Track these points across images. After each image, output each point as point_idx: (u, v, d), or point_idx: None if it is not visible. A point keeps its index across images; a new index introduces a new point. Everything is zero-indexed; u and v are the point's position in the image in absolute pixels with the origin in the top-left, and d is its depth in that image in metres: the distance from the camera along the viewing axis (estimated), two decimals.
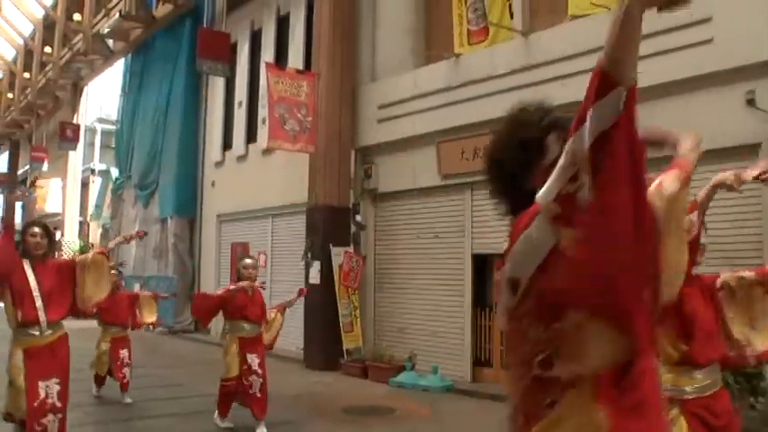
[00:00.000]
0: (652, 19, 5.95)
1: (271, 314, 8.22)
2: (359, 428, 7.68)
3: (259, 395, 7.41)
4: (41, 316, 5.36)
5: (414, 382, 10.54)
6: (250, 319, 7.59)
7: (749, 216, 8.02)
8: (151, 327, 13.04)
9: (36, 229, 5.67)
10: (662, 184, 2.01)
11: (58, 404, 5.40)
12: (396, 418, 8.56)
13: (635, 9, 1.49)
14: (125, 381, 9.13)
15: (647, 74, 8.35)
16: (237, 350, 7.49)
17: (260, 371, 7.46)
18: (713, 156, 8.07)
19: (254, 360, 7.46)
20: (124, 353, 9.27)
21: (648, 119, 6.14)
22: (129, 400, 9.07)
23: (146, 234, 7.81)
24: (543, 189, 1.54)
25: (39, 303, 5.37)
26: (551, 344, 1.60)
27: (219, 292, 7.95)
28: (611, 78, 1.50)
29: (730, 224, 8.03)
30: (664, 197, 1.93)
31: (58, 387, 5.40)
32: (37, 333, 5.39)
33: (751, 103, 7.92)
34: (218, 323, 16.44)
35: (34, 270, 5.48)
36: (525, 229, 1.59)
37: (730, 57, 7.99)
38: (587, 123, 1.51)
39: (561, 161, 1.52)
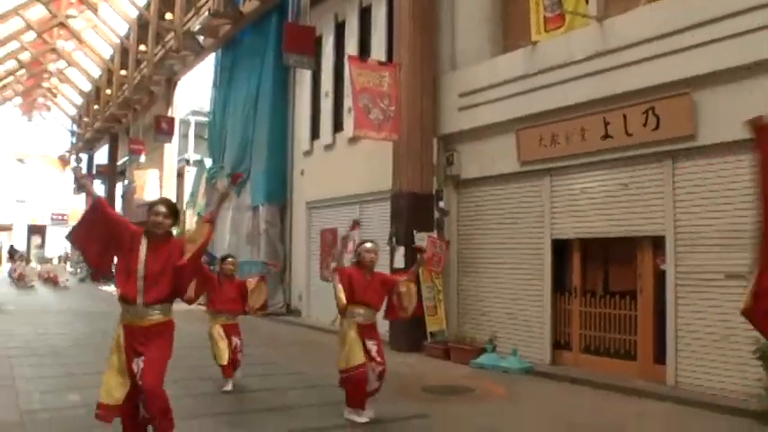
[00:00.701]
0: (720, 3, 6.12)
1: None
2: (439, 406, 8.04)
3: (378, 383, 7.23)
4: (139, 297, 5.22)
5: (494, 364, 10.81)
6: (367, 302, 7.24)
7: None
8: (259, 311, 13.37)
9: (161, 208, 5.45)
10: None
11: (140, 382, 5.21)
12: (475, 397, 8.87)
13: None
14: (239, 365, 9.11)
15: (718, 59, 8.50)
16: (356, 336, 7.12)
17: (379, 358, 7.17)
18: None
19: (372, 347, 7.17)
20: (236, 340, 9.00)
21: (720, 105, 6.36)
22: (229, 388, 8.77)
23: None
24: None
25: (139, 284, 5.23)
26: None
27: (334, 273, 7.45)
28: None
29: None
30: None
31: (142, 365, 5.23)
32: (133, 312, 5.29)
33: None
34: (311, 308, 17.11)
35: (149, 248, 5.29)
36: None
37: None
38: None
39: None
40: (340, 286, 7.19)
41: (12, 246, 50.42)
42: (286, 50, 15.91)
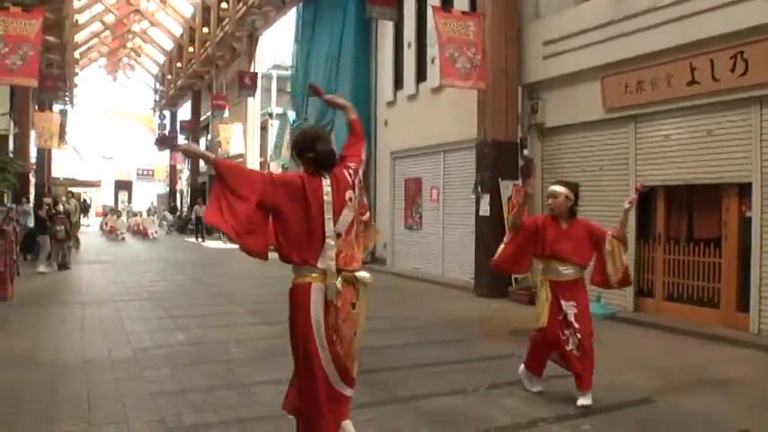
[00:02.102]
0: None
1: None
2: (523, 347, 8.41)
3: (577, 353, 5.97)
4: None
5: None
6: (562, 257, 6.09)
7: None
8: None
9: None
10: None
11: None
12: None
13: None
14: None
15: None
16: (548, 295, 6.11)
17: (577, 325, 5.96)
18: None
19: (570, 309, 6.01)
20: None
21: None
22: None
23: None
24: None
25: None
26: None
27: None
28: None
29: None
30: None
31: None
32: None
33: None
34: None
35: None
36: None
37: None
38: None
39: None
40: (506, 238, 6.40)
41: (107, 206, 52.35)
42: (369, 2, 16.17)
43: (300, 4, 25.35)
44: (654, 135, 10.89)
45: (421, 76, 17.61)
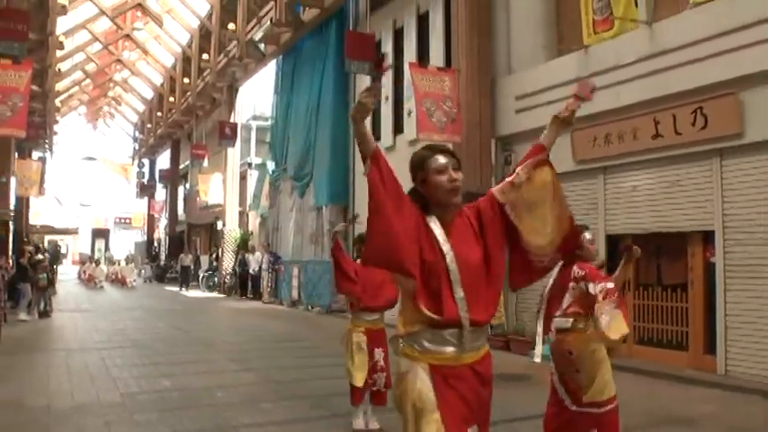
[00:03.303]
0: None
1: None
2: (498, 391, 8.55)
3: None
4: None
5: (550, 354, 11.33)
6: None
7: None
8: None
9: None
10: (515, 174, 3.17)
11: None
12: (533, 383, 9.36)
13: (356, 117, 2.77)
14: (375, 389, 6.40)
15: (766, 59, 8.91)
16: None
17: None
18: None
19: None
20: (379, 353, 6.37)
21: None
22: (360, 425, 6.54)
23: None
24: None
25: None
26: None
27: None
28: (363, 155, 2.89)
29: None
30: (515, 186, 3.15)
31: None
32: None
33: None
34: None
35: None
36: None
37: None
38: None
39: None
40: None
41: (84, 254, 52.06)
42: (348, 57, 16.62)
43: (280, 57, 25.88)
44: (622, 185, 11.33)
45: (398, 128, 18.05)
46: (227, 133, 28.95)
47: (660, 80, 10.36)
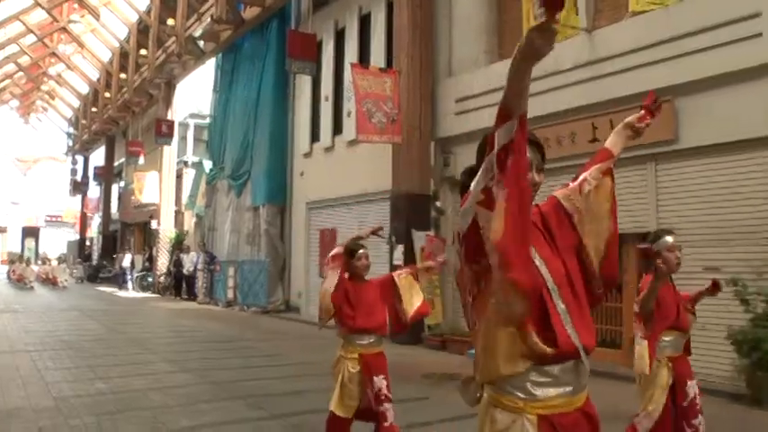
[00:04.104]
0: (701, 16, 7.06)
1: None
2: (437, 391, 8.58)
3: None
4: None
5: None
6: (685, 327, 5.06)
7: None
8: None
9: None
10: (584, 180, 2.61)
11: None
12: None
13: (521, 63, 1.99)
14: (386, 425, 5.14)
15: (699, 68, 9.22)
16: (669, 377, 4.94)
17: (698, 405, 5.02)
18: (760, 144, 8.92)
19: (693, 389, 5.00)
20: (380, 380, 5.20)
21: (699, 111, 7.18)
22: None
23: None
24: (473, 183, 2.18)
25: None
26: (475, 278, 2.21)
27: None
28: (506, 111, 2.01)
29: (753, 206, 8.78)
30: (583, 194, 2.56)
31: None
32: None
33: None
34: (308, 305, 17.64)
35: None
36: (464, 204, 2.22)
37: None
38: (496, 140, 2.04)
39: (484, 165, 2.11)
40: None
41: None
42: (289, 57, 16.56)
43: (220, 54, 25.59)
44: (554, 185, 11.41)
45: (337, 128, 17.99)
46: (163, 131, 28.54)
47: (598, 86, 10.57)
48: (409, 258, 13.13)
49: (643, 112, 2.86)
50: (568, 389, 2.23)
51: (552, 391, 2.19)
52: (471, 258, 2.19)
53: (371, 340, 5.28)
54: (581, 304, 2.31)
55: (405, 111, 13.62)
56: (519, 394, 2.17)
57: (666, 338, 4.80)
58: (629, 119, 2.82)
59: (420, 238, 13.25)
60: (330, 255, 5.39)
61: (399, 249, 13.44)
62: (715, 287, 5.01)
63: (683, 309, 4.88)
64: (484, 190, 2.08)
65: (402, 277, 5.55)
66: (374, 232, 5.81)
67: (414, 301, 5.47)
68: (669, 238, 4.76)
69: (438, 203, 13.73)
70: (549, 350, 2.14)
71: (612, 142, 2.78)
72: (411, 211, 13.46)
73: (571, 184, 2.65)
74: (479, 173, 2.12)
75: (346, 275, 5.30)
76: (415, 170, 13.61)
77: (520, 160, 2.03)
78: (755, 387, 8.08)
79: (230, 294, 22.31)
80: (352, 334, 5.25)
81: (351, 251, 5.39)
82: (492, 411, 2.22)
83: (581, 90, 10.86)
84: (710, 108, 9.29)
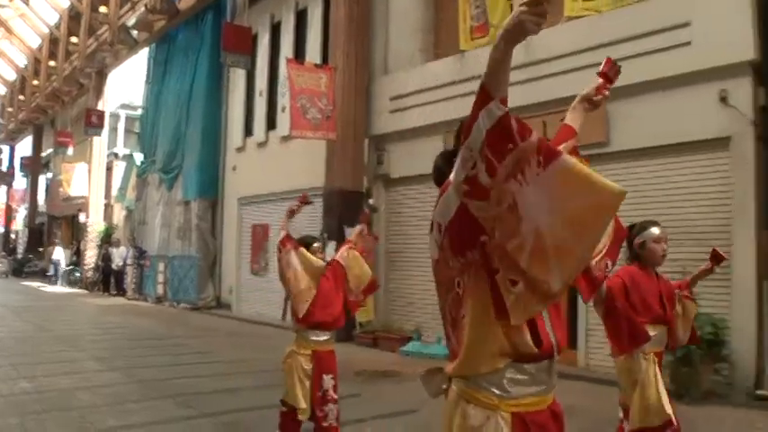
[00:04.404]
0: (633, 23, 7.26)
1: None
2: (369, 387, 8.59)
3: None
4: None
5: (419, 351, 11.49)
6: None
7: (719, 201, 8.96)
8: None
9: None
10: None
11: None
12: (400, 379, 9.53)
13: (507, 45, 1.92)
14: (326, 425, 5.22)
15: (630, 73, 9.36)
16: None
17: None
18: (687, 148, 9.15)
19: None
20: (329, 380, 5.27)
21: (630, 115, 7.36)
22: None
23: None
24: (453, 173, 2.05)
25: None
26: (462, 270, 2.13)
27: None
28: (488, 93, 1.93)
29: (700, 209, 9.03)
30: None
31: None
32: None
33: (724, 100, 8.83)
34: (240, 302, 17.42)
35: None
36: (443, 194, 2.14)
37: (706, 58, 8.90)
38: (480, 122, 1.92)
39: (461, 154, 1.99)
40: None
41: None
42: (224, 50, 16.33)
43: (153, 45, 25.09)
44: None
45: (271, 123, 17.84)
46: (93, 121, 27.84)
47: (533, 88, 10.69)
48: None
49: (601, 81, 2.81)
50: (542, 387, 2.21)
51: (527, 390, 2.17)
52: (458, 251, 2.12)
53: (326, 337, 5.24)
54: (557, 303, 2.26)
55: (339, 107, 13.56)
56: (495, 390, 2.14)
57: (651, 333, 4.49)
58: (585, 91, 2.79)
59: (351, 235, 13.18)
60: (282, 239, 5.31)
61: (331, 246, 13.35)
62: (715, 258, 4.68)
63: (669, 301, 4.67)
64: (467, 180, 1.96)
65: (345, 256, 5.51)
66: (303, 201, 5.63)
67: (363, 278, 5.53)
68: (656, 230, 4.69)
69: (371, 201, 13.71)
70: (535, 349, 2.13)
71: (571, 118, 2.76)
72: (344, 208, 13.40)
73: None
74: (457, 163, 2.02)
75: None
76: (349, 167, 13.57)
77: (508, 135, 1.94)
78: (679, 383, 8.31)
79: (160, 290, 21.90)
80: (308, 329, 5.18)
81: (306, 244, 5.35)
82: (464, 406, 2.19)
83: (516, 91, 10.82)
84: (641, 113, 9.54)
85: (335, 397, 5.21)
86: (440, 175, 2.33)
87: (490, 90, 1.93)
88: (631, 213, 9.49)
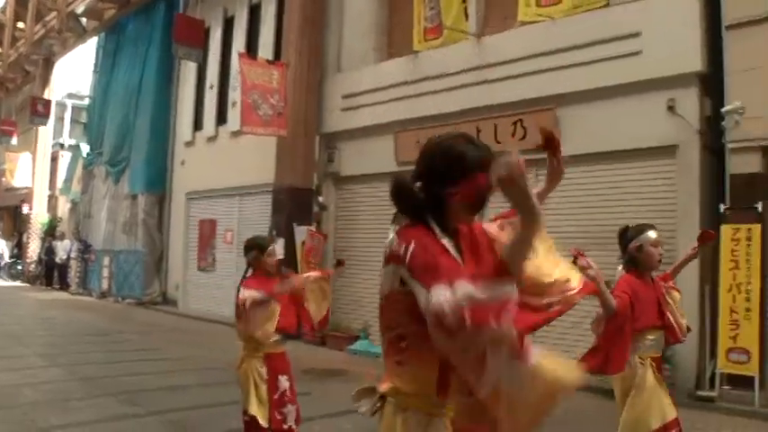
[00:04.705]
0: (586, 31, 7.37)
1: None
2: (318, 386, 8.56)
3: None
4: None
5: (367, 350, 11.49)
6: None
7: (665, 207, 9.14)
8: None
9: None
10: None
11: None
12: (349, 378, 9.52)
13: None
14: (286, 427, 5.11)
15: (581, 80, 9.57)
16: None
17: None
18: (635, 155, 9.33)
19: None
20: (285, 381, 5.17)
21: (580, 121, 7.46)
22: None
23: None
24: (388, 270, 2.13)
25: None
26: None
27: None
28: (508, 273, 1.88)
29: (647, 215, 9.17)
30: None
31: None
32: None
33: (671, 109, 9.03)
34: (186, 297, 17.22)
35: None
36: (388, 265, 2.14)
37: (656, 68, 9.08)
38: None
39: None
40: None
41: None
42: (175, 42, 16.14)
43: (102, 33, 24.62)
44: None
45: (221, 118, 17.63)
46: (39, 110, 27.27)
47: (484, 91, 10.84)
48: (290, 252, 13.02)
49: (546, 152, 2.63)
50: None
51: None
52: (388, 325, 2.20)
53: (276, 338, 5.08)
54: None
55: (291, 104, 13.47)
56: (430, 399, 2.18)
57: (650, 337, 4.53)
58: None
59: (301, 233, 13.15)
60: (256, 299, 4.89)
61: (280, 243, 13.25)
62: (703, 238, 4.82)
63: (665, 304, 4.63)
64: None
65: (312, 282, 5.30)
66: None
67: (322, 308, 5.33)
68: (652, 233, 4.60)
69: (321, 198, 13.68)
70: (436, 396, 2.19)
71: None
72: (293, 206, 13.35)
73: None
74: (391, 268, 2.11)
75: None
76: (299, 164, 13.50)
77: None
78: None
79: (105, 285, 21.52)
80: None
81: (261, 247, 5.17)
82: (403, 414, 2.19)
83: (467, 93, 11.08)
84: (591, 119, 9.70)
85: (293, 397, 5.12)
86: (401, 202, 2.30)
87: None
88: (580, 217, 9.69)
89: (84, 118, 28.01)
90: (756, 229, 8.13)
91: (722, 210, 8.49)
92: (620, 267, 4.68)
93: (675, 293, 4.82)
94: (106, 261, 21.48)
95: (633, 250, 4.58)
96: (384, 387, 2.26)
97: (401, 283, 2.07)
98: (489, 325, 1.80)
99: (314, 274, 5.52)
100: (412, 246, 2.06)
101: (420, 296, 1.93)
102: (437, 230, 2.19)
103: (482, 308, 1.80)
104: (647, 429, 4.32)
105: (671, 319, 4.62)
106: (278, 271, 5.28)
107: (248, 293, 4.84)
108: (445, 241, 2.18)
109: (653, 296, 4.56)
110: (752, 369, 8.00)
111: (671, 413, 4.42)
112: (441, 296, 1.84)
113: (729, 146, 8.57)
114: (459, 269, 2.08)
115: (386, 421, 2.24)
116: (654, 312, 4.53)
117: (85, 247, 23.39)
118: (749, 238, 8.13)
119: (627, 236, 4.62)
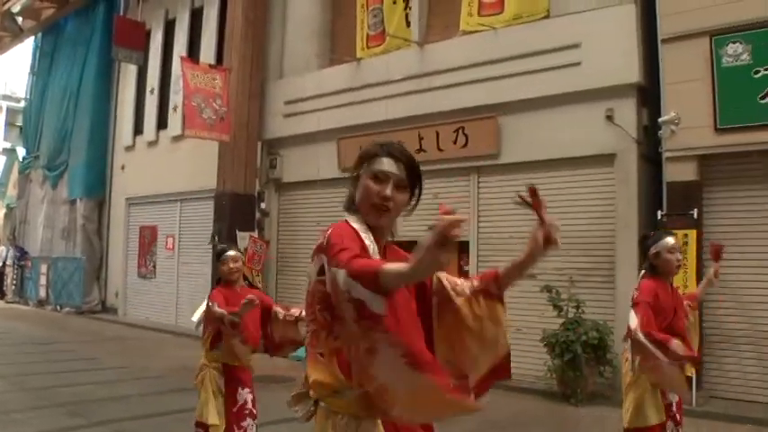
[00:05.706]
0: (526, 41, 7.51)
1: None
2: (263, 393, 8.48)
3: None
4: None
5: None
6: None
7: (604, 214, 9.32)
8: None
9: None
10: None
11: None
12: (294, 384, 9.49)
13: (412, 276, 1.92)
14: None
15: (522, 89, 9.73)
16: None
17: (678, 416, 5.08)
18: (575, 163, 9.52)
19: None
20: (245, 394, 4.95)
21: (521, 129, 7.59)
22: None
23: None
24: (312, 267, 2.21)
25: None
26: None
27: None
28: (381, 285, 1.91)
29: (587, 221, 9.35)
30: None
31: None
32: None
33: (610, 119, 9.28)
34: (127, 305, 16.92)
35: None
36: (313, 261, 2.22)
37: (595, 79, 9.32)
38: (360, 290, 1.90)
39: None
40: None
41: None
42: (115, 44, 15.94)
43: (40, 34, 24.06)
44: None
45: (162, 123, 17.38)
46: None
47: (427, 98, 10.96)
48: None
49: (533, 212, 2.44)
50: None
51: None
52: (311, 318, 2.23)
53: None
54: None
55: (233, 109, 13.36)
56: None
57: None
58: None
59: (244, 239, 13.03)
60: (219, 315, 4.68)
61: (246, 241, 13.18)
62: (716, 252, 5.03)
63: (681, 310, 4.73)
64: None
65: (280, 317, 4.88)
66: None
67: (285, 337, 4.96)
68: (670, 240, 4.66)
69: (263, 204, 13.61)
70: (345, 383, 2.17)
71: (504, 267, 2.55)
72: (235, 211, 13.25)
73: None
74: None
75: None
76: (241, 170, 13.41)
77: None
78: (566, 385, 8.75)
79: (42, 293, 20.97)
80: (219, 342, 4.86)
81: (217, 254, 5.08)
82: (333, 418, 2.19)
83: (409, 101, 11.19)
84: (532, 127, 9.91)
85: (255, 412, 4.91)
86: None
87: (387, 285, 1.92)
88: (521, 224, 9.77)
89: (19, 121, 27.32)
90: (693, 234, 8.40)
91: (660, 216, 8.73)
92: (642, 273, 4.76)
93: (691, 317, 5.05)
94: (43, 268, 20.95)
95: (652, 257, 4.66)
96: (308, 384, 2.28)
97: (320, 273, 2.13)
98: (368, 275, 1.90)
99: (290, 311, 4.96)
100: (329, 232, 2.16)
101: (338, 276, 1.96)
102: (358, 226, 2.27)
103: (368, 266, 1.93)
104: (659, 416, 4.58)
105: (686, 332, 4.72)
106: (245, 280, 5.13)
107: (211, 306, 4.74)
108: (364, 236, 2.24)
109: (671, 303, 4.64)
110: (689, 369, 8.18)
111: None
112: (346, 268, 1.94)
113: (666, 155, 8.82)
114: (370, 255, 2.15)
115: (318, 426, 2.26)
116: (670, 316, 4.61)
117: (22, 254, 22.83)
118: (686, 244, 8.34)
119: (646, 243, 4.76)
